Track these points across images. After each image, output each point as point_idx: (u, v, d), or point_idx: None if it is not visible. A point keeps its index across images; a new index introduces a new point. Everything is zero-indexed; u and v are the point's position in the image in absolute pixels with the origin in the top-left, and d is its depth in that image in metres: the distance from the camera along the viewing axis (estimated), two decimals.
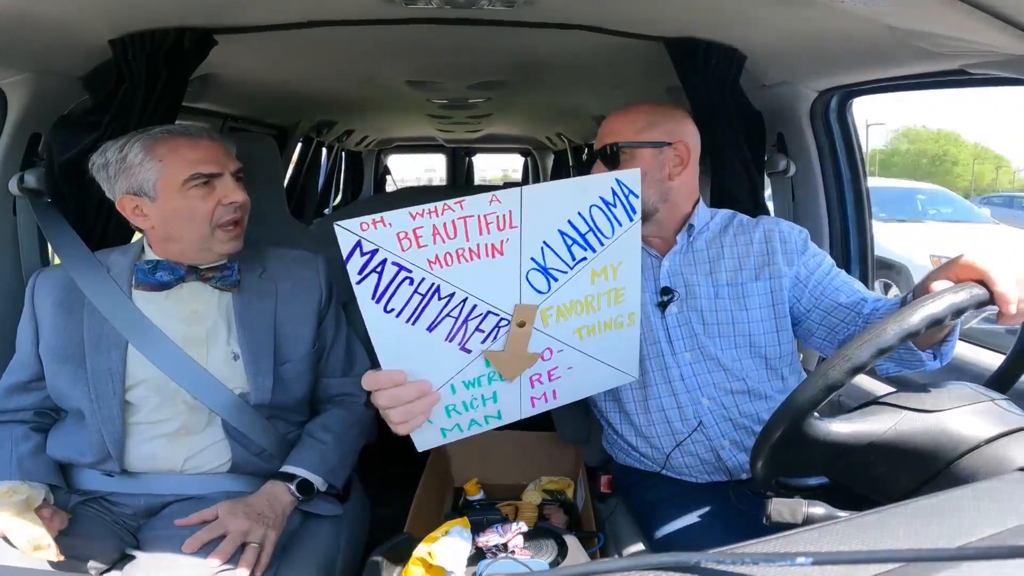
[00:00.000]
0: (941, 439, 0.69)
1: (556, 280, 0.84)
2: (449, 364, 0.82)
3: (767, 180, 1.60)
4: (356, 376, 1.21)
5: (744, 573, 0.43)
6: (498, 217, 0.76)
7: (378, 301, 0.74)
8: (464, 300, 0.78)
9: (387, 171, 6.14)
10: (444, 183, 6.08)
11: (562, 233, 0.82)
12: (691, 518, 1.05)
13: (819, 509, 0.72)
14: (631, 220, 0.87)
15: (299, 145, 3.21)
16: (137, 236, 1.24)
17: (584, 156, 4.33)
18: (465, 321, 0.80)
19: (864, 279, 1.62)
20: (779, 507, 0.72)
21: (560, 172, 5.22)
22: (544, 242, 0.81)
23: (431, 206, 0.72)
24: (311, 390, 1.17)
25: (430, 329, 0.78)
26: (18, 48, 1.14)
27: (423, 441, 0.85)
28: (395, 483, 1.35)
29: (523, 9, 1.18)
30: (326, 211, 4.26)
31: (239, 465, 1.06)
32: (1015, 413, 0.71)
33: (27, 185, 1.22)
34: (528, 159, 6.51)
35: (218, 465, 1.06)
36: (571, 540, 1.01)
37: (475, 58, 1.68)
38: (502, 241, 0.78)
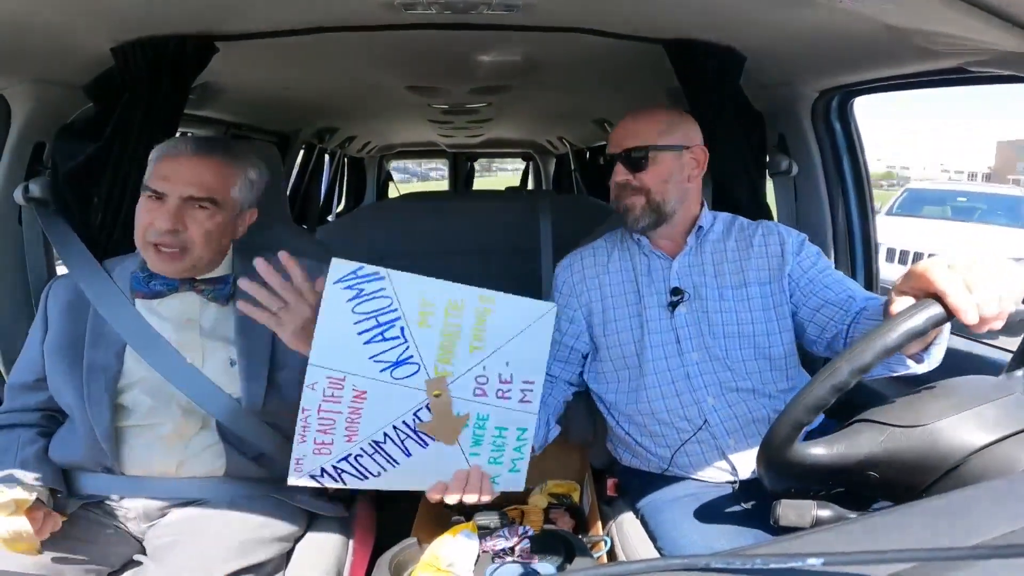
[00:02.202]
0: (931, 453, 0.68)
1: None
2: (448, 462, 0.92)
3: (769, 181, 1.60)
4: None
5: (755, 573, 0.43)
6: None
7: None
8: (391, 430, 0.89)
9: (389, 177, 6.15)
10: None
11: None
12: (699, 520, 1.04)
13: (828, 511, 0.71)
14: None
15: (301, 152, 3.22)
16: None
17: (601, 159, 4.24)
18: (409, 433, 0.89)
19: (868, 278, 1.61)
20: (787, 510, 0.72)
21: (562, 175, 5.22)
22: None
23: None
24: None
25: (409, 456, 0.90)
26: (20, 56, 1.14)
27: (505, 486, 0.95)
28: None
29: (523, 13, 1.18)
30: (329, 218, 4.27)
31: (234, 469, 1.06)
32: (1005, 416, 0.70)
33: (32, 195, 1.22)
34: (530, 163, 6.52)
35: (213, 469, 1.06)
36: (578, 544, 1.01)
37: (475, 62, 1.68)
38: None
